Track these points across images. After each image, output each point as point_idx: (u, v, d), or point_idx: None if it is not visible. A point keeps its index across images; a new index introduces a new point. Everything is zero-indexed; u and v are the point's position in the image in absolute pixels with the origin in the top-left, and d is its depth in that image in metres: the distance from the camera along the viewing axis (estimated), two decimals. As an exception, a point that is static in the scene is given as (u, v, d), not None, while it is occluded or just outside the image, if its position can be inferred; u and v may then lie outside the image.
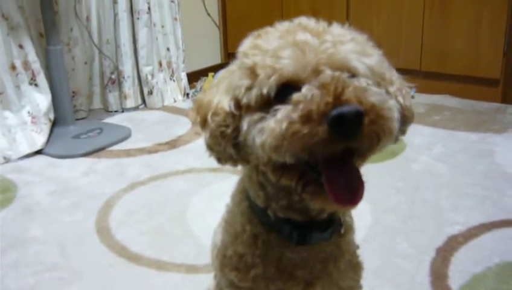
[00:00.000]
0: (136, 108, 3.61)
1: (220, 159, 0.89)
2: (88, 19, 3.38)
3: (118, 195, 2.34)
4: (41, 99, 2.88)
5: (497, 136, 2.92)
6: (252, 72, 0.81)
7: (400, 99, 0.88)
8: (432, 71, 3.65)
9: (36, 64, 2.86)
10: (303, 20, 0.87)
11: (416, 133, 2.96)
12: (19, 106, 2.83)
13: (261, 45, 0.84)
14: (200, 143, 2.91)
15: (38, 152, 2.82)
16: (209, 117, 0.85)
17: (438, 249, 1.85)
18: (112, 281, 1.75)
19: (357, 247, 1.06)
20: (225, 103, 0.84)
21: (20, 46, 2.81)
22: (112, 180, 2.49)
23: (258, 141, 0.78)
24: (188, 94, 3.84)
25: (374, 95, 0.75)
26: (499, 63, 3.41)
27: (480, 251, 1.84)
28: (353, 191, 0.78)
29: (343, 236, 0.98)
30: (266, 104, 0.79)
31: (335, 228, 0.96)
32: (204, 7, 4.23)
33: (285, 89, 0.78)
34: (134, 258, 1.86)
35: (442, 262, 1.78)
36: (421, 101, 3.53)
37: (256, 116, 0.80)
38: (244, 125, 0.81)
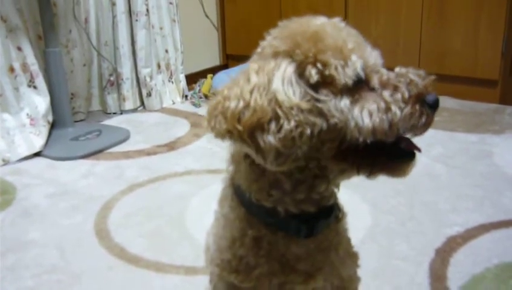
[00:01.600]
0: (134, 110, 3.61)
1: (285, 162, 0.81)
2: (86, 21, 3.38)
3: (117, 197, 2.34)
4: (39, 101, 2.88)
5: (496, 137, 2.92)
6: (341, 51, 0.83)
7: None
8: (430, 72, 3.63)
9: (35, 67, 2.86)
10: (336, 20, 0.90)
11: (415, 134, 2.95)
12: (17, 108, 2.83)
13: (322, 32, 0.85)
14: (198, 145, 2.93)
15: (37, 154, 2.82)
16: (282, 119, 0.78)
17: (437, 251, 1.85)
18: (111, 283, 1.75)
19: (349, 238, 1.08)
20: (296, 96, 0.80)
21: (19, 49, 2.81)
22: (110, 183, 2.49)
23: (367, 121, 0.81)
24: (186, 96, 3.84)
25: None
26: (497, 64, 3.41)
27: (479, 252, 1.84)
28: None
29: (340, 221, 1.01)
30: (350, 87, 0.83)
31: (335, 213, 0.98)
32: (203, 9, 4.23)
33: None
34: (133, 260, 1.86)
35: (442, 263, 1.77)
36: (419, 102, 3.53)
37: (353, 98, 0.82)
38: (341, 107, 0.81)
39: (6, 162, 2.71)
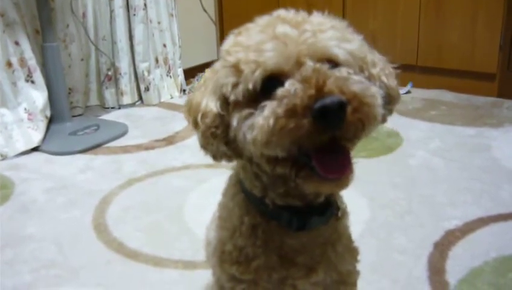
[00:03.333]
0: (132, 104, 3.61)
1: (214, 157, 0.90)
2: (84, 15, 3.37)
3: (115, 192, 2.34)
4: (37, 96, 2.88)
5: (493, 130, 2.92)
6: (236, 68, 0.83)
7: (384, 79, 0.91)
8: (428, 66, 3.65)
9: (32, 61, 2.86)
10: (282, 12, 0.89)
11: (413, 128, 2.96)
12: (15, 103, 2.82)
13: (243, 41, 0.85)
14: (196, 139, 2.92)
15: (35, 149, 2.82)
16: (198, 119, 0.88)
17: (436, 244, 1.85)
18: (109, 278, 1.75)
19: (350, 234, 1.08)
20: (212, 104, 0.86)
21: (16, 43, 2.80)
22: (108, 177, 2.49)
23: (249, 137, 0.80)
24: (184, 90, 3.84)
25: (356, 84, 0.78)
26: (495, 57, 3.41)
27: (477, 245, 1.84)
28: (341, 162, 0.80)
29: (340, 220, 1.00)
30: (253, 100, 0.81)
31: (332, 212, 0.97)
32: (201, 3, 4.22)
33: (271, 83, 0.80)
34: (132, 255, 1.86)
35: (440, 257, 1.78)
36: (417, 96, 3.54)
37: (245, 112, 0.82)
38: (234, 122, 0.83)
39: (4, 157, 2.70)
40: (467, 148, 2.69)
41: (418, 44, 3.64)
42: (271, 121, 0.76)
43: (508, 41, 3.36)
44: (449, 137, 2.84)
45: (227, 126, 0.85)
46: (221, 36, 4.43)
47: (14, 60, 2.80)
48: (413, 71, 3.63)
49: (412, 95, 3.53)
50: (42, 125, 2.87)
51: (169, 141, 2.94)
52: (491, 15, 3.35)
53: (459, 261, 1.75)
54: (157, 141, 2.94)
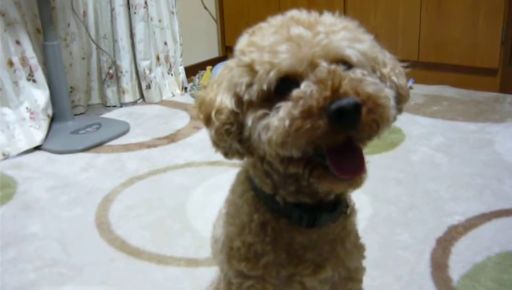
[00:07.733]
0: (134, 103, 3.61)
1: (226, 154, 0.90)
2: (85, 13, 3.37)
3: (118, 190, 2.34)
4: (39, 95, 2.88)
5: (496, 125, 2.92)
6: (251, 69, 0.83)
7: (394, 79, 0.92)
8: (430, 62, 3.64)
9: (34, 60, 2.86)
10: (295, 13, 0.89)
11: (415, 124, 2.96)
12: (17, 102, 2.83)
13: (257, 41, 0.86)
14: (198, 137, 2.93)
15: (37, 148, 2.82)
16: (212, 115, 0.87)
17: (438, 240, 1.85)
18: (113, 275, 1.75)
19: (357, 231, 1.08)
20: (227, 101, 0.86)
21: (18, 42, 2.81)
22: (111, 175, 2.49)
23: (264, 137, 0.80)
24: (186, 88, 3.84)
25: (370, 85, 0.79)
26: (497, 53, 3.40)
27: (480, 241, 1.84)
28: (355, 163, 0.81)
29: (348, 217, 1.01)
30: (267, 100, 0.82)
31: (341, 209, 0.98)
32: (202, 0, 4.22)
33: (284, 84, 0.80)
34: (135, 253, 1.87)
35: (443, 252, 1.78)
36: (419, 91, 3.53)
37: (260, 112, 0.82)
38: (249, 121, 0.83)
39: (6, 156, 2.71)
40: (469, 144, 2.69)
41: (420, 40, 3.63)
42: (287, 122, 0.76)
43: (509, 36, 3.35)
44: (451, 132, 2.84)
45: (241, 124, 0.86)
46: (222, 34, 4.43)
47: (16, 59, 2.80)
48: (414, 67, 3.61)
49: (414, 91, 3.52)
50: (44, 124, 2.88)
51: (171, 138, 2.94)
52: (492, 10, 3.35)
53: (462, 257, 1.75)
54: (159, 139, 2.94)
